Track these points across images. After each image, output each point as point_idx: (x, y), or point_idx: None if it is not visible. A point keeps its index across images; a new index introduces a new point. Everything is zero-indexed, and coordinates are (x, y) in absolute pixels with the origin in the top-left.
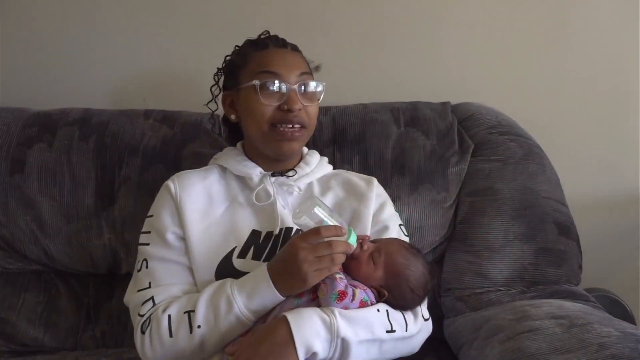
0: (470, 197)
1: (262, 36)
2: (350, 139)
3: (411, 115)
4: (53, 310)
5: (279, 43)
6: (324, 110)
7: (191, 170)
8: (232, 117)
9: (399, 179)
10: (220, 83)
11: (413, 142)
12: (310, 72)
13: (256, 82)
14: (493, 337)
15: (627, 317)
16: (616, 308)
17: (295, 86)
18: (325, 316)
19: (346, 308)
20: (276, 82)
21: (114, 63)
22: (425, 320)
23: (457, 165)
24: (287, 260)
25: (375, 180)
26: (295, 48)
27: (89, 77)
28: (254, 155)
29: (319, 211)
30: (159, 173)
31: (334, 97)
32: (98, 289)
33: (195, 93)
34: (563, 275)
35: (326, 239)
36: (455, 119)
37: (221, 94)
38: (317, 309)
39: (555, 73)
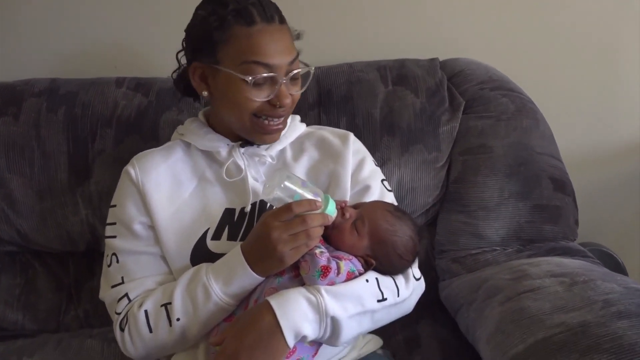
0: (463, 155)
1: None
2: (337, 100)
3: (399, 73)
4: (31, 292)
5: (267, 16)
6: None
7: (152, 150)
8: (204, 93)
9: (388, 139)
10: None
11: (402, 101)
12: (297, 53)
13: (248, 78)
14: (492, 298)
15: (620, 269)
16: (608, 261)
17: (286, 78)
18: (311, 296)
19: (332, 283)
20: (268, 75)
21: (80, 29)
22: (417, 279)
23: (449, 124)
24: (260, 240)
25: (351, 136)
26: (281, 19)
27: (53, 45)
28: (219, 126)
29: (289, 185)
30: (135, 144)
31: (317, 58)
32: (78, 268)
33: (172, 58)
34: (560, 231)
35: (299, 214)
36: (445, 76)
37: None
38: (302, 289)
39: (545, 26)
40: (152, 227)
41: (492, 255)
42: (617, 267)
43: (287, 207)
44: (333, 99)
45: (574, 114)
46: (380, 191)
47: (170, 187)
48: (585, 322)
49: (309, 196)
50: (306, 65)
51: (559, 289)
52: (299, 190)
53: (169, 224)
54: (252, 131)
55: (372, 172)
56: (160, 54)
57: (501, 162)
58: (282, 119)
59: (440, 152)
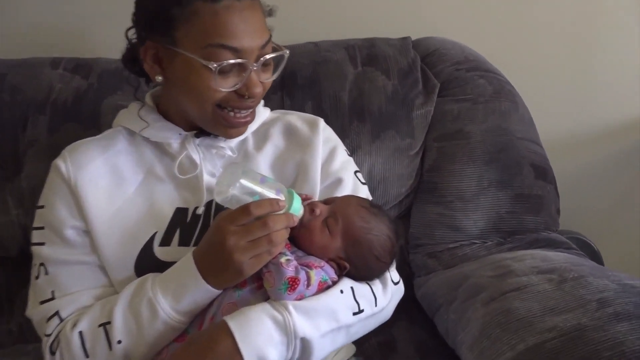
0: (439, 142)
1: None
2: (301, 82)
3: (368, 53)
4: None
5: None
6: None
7: (88, 140)
8: (158, 78)
9: (358, 125)
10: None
11: (372, 83)
12: (270, 34)
13: (213, 65)
14: (474, 298)
15: (596, 258)
16: (585, 250)
17: (257, 64)
18: (277, 314)
19: (302, 297)
20: (236, 62)
21: (13, 5)
22: (396, 284)
23: (423, 107)
24: (214, 248)
25: (321, 122)
26: None
27: None
28: (172, 112)
29: (246, 183)
30: (73, 133)
31: (279, 37)
32: (10, 275)
33: (119, 38)
34: (542, 222)
35: (259, 217)
36: (418, 56)
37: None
38: (266, 306)
39: (522, 5)
40: (88, 232)
41: (470, 249)
42: (593, 255)
43: (245, 210)
44: (297, 81)
45: (550, 97)
46: (353, 184)
47: (110, 184)
48: (581, 325)
49: (270, 194)
50: (279, 47)
51: (547, 287)
52: (258, 189)
53: (109, 227)
54: (215, 124)
55: (344, 163)
56: (104, 32)
57: (479, 148)
58: (250, 110)
59: (414, 139)
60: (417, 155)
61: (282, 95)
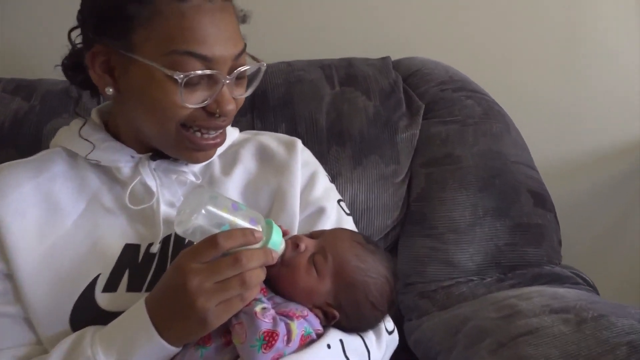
0: (426, 168)
1: None
2: (273, 103)
3: (347, 73)
4: None
5: None
6: None
7: (16, 162)
8: (109, 90)
9: (337, 150)
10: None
11: (352, 104)
12: (244, 43)
13: (179, 75)
14: (478, 345)
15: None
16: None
17: (230, 77)
18: None
19: (280, 356)
20: (206, 72)
21: None
22: (390, 333)
23: (407, 130)
24: (173, 292)
25: (298, 143)
26: None
27: None
28: (122, 131)
29: (213, 210)
30: (10, 159)
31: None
32: None
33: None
34: (544, 254)
35: (230, 251)
36: (400, 76)
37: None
38: None
39: (504, 21)
40: (10, 275)
41: (468, 287)
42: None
43: (211, 242)
44: (269, 102)
45: (537, 121)
46: (337, 215)
47: (42, 216)
48: None
49: (244, 224)
50: (255, 59)
51: (564, 329)
52: (229, 217)
53: (38, 269)
54: (179, 147)
55: (326, 190)
56: (50, 52)
57: (472, 173)
58: (220, 131)
59: (399, 164)
60: (403, 183)
61: (253, 117)
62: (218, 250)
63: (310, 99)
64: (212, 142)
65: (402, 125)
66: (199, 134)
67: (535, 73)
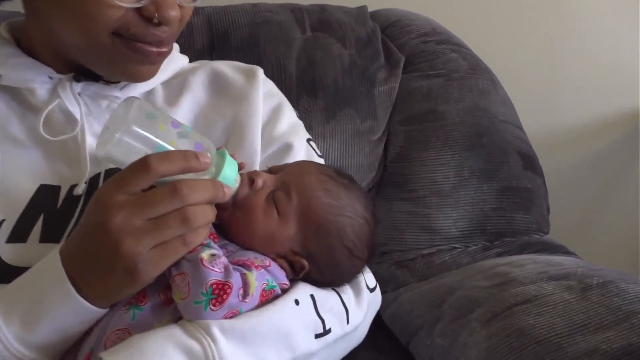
0: (406, 125)
1: None
2: (236, 45)
3: (319, 18)
4: None
5: None
6: (193, 11)
7: None
8: None
9: (308, 101)
10: None
11: (325, 51)
12: None
13: None
14: (468, 316)
15: None
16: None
17: None
18: (193, 344)
19: (235, 314)
20: None
21: None
22: (372, 290)
23: (386, 83)
24: (92, 235)
25: (260, 71)
26: None
27: None
28: (38, 47)
29: (144, 127)
30: None
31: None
32: None
33: None
34: (533, 222)
35: (168, 179)
36: (377, 26)
37: None
38: (175, 329)
39: None
40: None
41: (450, 255)
42: None
43: (141, 165)
44: (231, 43)
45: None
46: (306, 154)
47: None
48: (633, 347)
49: (186, 146)
50: None
51: (567, 296)
52: (167, 137)
53: None
54: (116, 61)
55: (293, 125)
56: None
57: (457, 131)
58: (166, 45)
59: (377, 121)
60: (380, 141)
61: (211, 59)
62: (150, 176)
63: (279, 42)
64: (155, 49)
65: (380, 77)
66: (139, 45)
67: (522, 42)
